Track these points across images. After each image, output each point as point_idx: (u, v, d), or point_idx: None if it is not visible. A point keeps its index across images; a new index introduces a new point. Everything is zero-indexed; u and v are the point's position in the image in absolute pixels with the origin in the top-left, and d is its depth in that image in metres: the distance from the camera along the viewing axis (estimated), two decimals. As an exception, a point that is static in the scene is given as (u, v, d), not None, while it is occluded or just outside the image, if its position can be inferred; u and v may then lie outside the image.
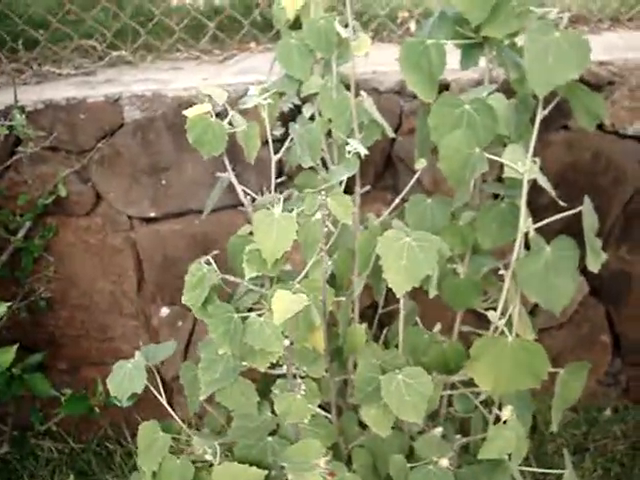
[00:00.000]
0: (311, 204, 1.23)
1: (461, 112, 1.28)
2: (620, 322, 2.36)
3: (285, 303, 1.16)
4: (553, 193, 1.28)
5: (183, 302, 1.33)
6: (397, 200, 1.53)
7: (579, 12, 2.41)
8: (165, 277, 2.28)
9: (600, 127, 2.09)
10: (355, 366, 1.47)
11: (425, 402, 1.22)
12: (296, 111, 1.73)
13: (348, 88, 2.01)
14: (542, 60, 1.14)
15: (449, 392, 1.48)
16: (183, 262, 2.23)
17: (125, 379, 1.48)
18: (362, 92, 1.66)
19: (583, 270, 2.19)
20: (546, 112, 1.23)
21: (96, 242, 2.25)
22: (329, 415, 1.41)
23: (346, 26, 1.69)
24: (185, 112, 1.31)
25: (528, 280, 1.22)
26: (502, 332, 1.26)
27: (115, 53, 2.34)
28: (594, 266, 1.22)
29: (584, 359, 2.39)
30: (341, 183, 1.46)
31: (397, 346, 1.45)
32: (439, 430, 1.42)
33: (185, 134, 1.35)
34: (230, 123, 1.36)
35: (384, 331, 1.61)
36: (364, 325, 1.52)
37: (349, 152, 1.33)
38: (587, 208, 1.20)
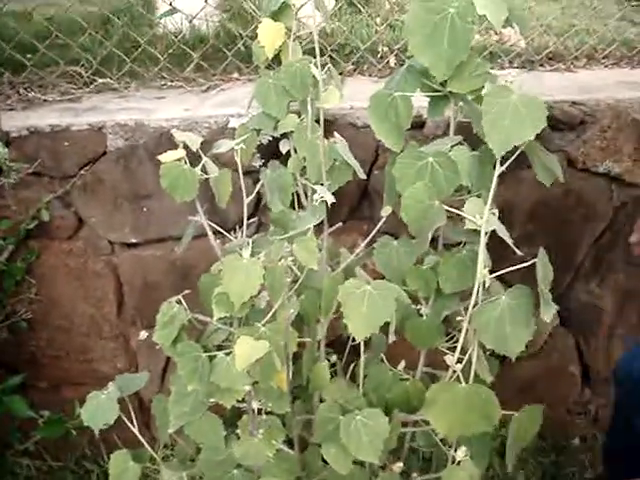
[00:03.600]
0: (277, 251, 1.28)
1: (424, 164, 1.33)
2: (589, 353, 2.41)
3: (247, 349, 1.21)
4: (510, 242, 1.33)
5: (154, 340, 1.38)
6: (364, 243, 1.58)
7: (556, 49, 2.47)
8: (145, 301, 2.32)
9: (571, 164, 2.15)
10: (322, 401, 1.52)
11: (381, 443, 1.27)
12: (274, 143, 1.79)
13: (327, 124, 2.07)
14: (499, 122, 1.20)
15: (412, 429, 1.53)
16: (163, 287, 2.30)
17: (98, 410, 1.52)
18: (336, 134, 1.72)
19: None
20: (503, 168, 1.28)
21: (77, 266, 2.29)
22: (291, 451, 1.46)
23: (322, 67, 1.75)
24: (160, 157, 1.36)
25: (484, 327, 1.27)
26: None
27: (100, 80, 2.38)
28: (547, 316, 1.27)
29: (554, 389, 2.47)
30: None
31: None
32: (399, 465, 1.47)
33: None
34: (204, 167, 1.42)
35: (351, 366, 1.66)
36: (332, 359, 1.57)
37: (316, 200, 1.38)
38: (541, 260, 1.25)
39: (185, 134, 1.38)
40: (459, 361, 1.32)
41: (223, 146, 1.45)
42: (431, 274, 1.46)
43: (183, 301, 1.39)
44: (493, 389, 1.47)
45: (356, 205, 2.19)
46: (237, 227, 1.95)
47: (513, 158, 1.30)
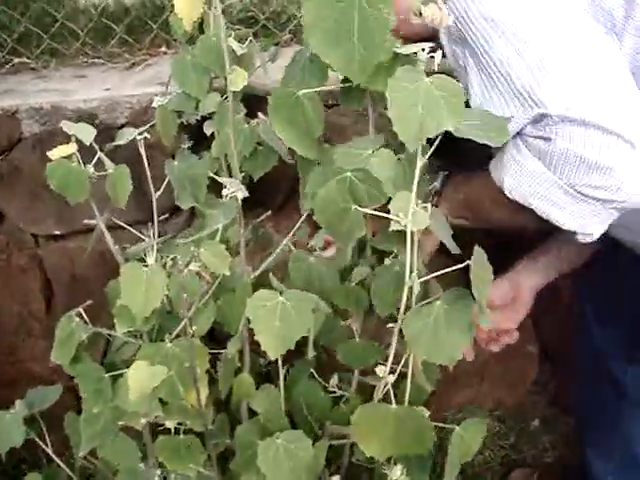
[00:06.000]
0: (184, 256, 1.14)
1: (342, 179, 1.14)
2: (548, 332, 2.31)
3: (142, 376, 1.07)
4: (448, 241, 1.19)
5: (52, 359, 1.24)
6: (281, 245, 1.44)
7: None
8: (74, 296, 2.17)
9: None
10: (251, 410, 1.40)
11: (304, 469, 1.14)
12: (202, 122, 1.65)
13: (258, 100, 1.92)
14: (410, 111, 0.99)
15: (348, 441, 1.40)
16: (92, 280, 2.15)
17: (3, 432, 1.39)
18: (260, 114, 1.58)
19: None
20: (425, 160, 1.12)
21: (1, 262, 2.14)
22: (211, 474, 1.33)
23: (240, 41, 1.60)
24: (49, 153, 1.21)
25: (416, 337, 1.11)
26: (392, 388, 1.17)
27: (17, 60, 2.20)
28: (482, 323, 1.14)
29: (512, 369, 2.37)
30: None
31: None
32: (335, 479, 1.35)
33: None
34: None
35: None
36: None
37: (226, 195, 1.22)
38: (477, 259, 1.11)
39: (77, 126, 1.22)
40: (392, 371, 1.19)
41: (124, 136, 1.30)
42: (362, 292, 1.31)
43: (84, 314, 1.25)
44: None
45: (294, 185, 2.05)
46: (167, 216, 1.82)
47: (433, 149, 1.13)
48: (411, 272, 1.10)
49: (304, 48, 1.28)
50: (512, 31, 1.11)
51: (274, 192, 1.98)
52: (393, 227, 1.08)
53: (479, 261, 1.10)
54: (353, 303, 1.33)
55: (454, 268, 1.12)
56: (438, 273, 1.15)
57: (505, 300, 1.70)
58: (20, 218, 2.07)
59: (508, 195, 1.18)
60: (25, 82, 2.15)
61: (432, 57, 1.03)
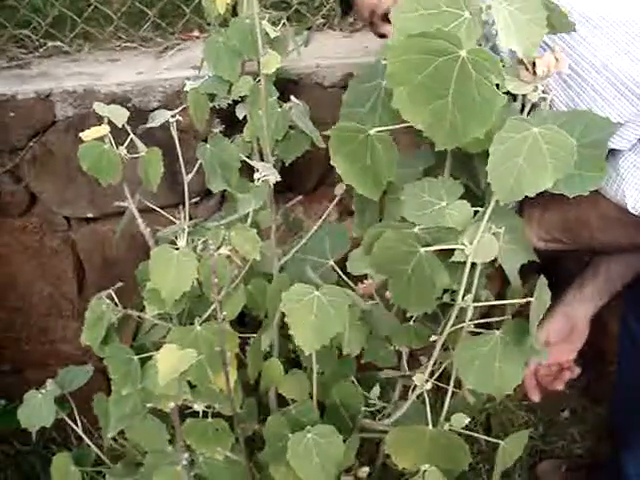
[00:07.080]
0: (215, 240, 1.13)
1: (411, 243, 1.05)
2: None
3: (171, 360, 1.06)
4: (513, 274, 1.15)
5: (82, 341, 1.24)
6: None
7: None
8: (106, 278, 2.18)
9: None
10: (279, 395, 1.40)
11: (334, 465, 1.14)
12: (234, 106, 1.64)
13: (291, 84, 1.91)
14: (509, 162, 0.88)
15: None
16: (123, 263, 2.17)
17: (34, 411, 1.40)
18: (292, 97, 1.57)
19: (547, 272, 2.10)
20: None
21: (33, 243, 2.16)
22: (239, 459, 1.33)
23: (273, 24, 1.59)
24: (81, 134, 1.21)
25: (466, 364, 1.08)
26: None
27: (50, 43, 2.21)
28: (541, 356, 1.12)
29: (544, 360, 2.34)
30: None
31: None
32: (365, 470, 1.33)
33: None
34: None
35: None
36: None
37: (257, 179, 1.21)
38: (539, 295, 1.04)
39: (109, 107, 1.22)
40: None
41: (157, 119, 1.29)
42: (421, 327, 1.28)
43: (115, 296, 1.26)
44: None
45: (326, 170, 2.04)
46: (199, 200, 1.82)
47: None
48: (466, 294, 1.06)
49: (375, 65, 1.16)
50: (616, 31, 0.99)
51: (305, 177, 1.98)
52: (455, 258, 1.02)
53: (540, 294, 1.05)
54: (414, 338, 1.30)
55: (518, 301, 1.10)
56: (497, 302, 1.13)
57: (561, 336, 1.64)
58: (53, 201, 2.09)
59: (632, 212, 1.06)
60: (58, 65, 2.16)
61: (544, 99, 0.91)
